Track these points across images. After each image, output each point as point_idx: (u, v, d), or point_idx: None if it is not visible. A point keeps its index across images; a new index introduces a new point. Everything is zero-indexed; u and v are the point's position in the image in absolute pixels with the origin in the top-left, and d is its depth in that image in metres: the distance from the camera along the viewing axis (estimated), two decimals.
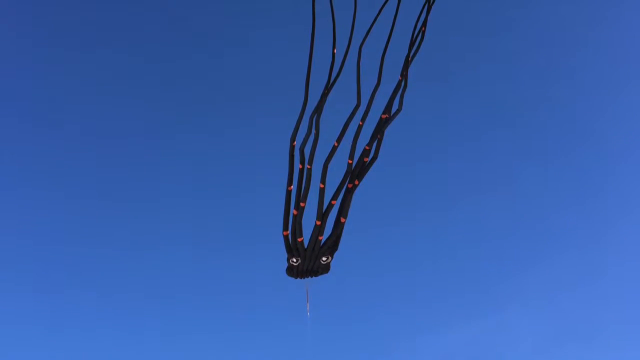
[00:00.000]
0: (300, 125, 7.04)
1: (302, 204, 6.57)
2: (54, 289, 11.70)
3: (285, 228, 6.57)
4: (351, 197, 6.64)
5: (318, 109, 7.15)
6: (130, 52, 13.36)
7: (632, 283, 11.42)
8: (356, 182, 6.70)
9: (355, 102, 7.19)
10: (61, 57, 13.12)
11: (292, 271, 6.58)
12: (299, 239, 6.50)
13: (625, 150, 12.19)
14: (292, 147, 6.87)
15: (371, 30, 7.90)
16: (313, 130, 6.99)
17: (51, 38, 13.18)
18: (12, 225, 11.88)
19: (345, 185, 6.65)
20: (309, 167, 6.71)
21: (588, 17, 13.00)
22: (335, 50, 7.63)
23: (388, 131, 7.06)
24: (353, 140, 6.86)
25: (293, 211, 6.58)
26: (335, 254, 6.60)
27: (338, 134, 6.92)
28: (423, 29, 7.93)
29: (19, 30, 13.12)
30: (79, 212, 12.16)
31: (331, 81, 7.42)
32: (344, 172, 6.69)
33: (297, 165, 6.76)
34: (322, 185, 6.57)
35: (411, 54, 7.71)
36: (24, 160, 12.21)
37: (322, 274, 6.58)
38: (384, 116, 7.13)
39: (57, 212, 12.21)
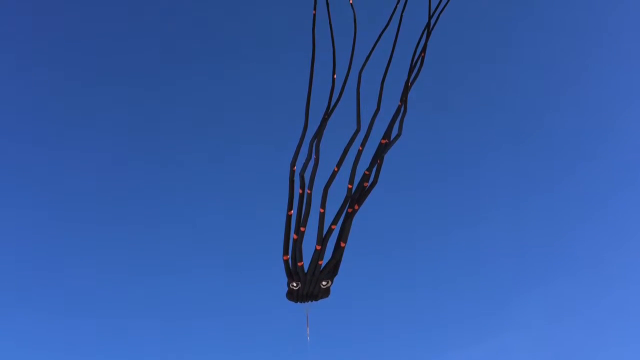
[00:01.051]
0: (301, 151, 7.08)
1: (302, 229, 6.59)
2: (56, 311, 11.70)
3: (286, 252, 6.59)
4: (351, 221, 6.67)
5: (318, 134, 7.18)
6: (130, 76, 13.42)
7: (631, 309, 11.42)
8: (356, 207, 6.72)
9: (355, 127, 7.22)
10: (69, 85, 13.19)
11: (292, 295, 6.60)
12: (299, 264, 6.52)
13: (626, 175, 12.23)
14: (292, 172, 6.89)
15: (371, 56, 7.94)
16: (313, 155, 7.02)
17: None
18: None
19: (345, 210, 6.67)
20: (309, 192, 6.74)
21: (588, 47, 13.09)
22: (335, 76, 7.66)
23: (388, 156, 7.09)
24: (353, 165, 6.89)
25: (293, 236, 6.60)
26: (335, 279, 6.62)
27: (338, 159, 6.95)
28: (423, 54, 7.94)
29: None
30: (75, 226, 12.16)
31: (331, 106, 7.45)
32: (344, 196, 6.72)
33: (297, 190, 6.79)
34: (322, 210, 6.59)
35: (411, 80, 7.73)
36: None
37: (322, 298, 6.60)
38: (383, 141, 7.16)
39: (59, 237, 12.21)
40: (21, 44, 13.28)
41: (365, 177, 6.85)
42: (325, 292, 6.59)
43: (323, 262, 6.54)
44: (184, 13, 13.66)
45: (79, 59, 13.37)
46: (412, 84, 7.71)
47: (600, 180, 12.35)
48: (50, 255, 12.35)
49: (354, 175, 6.84)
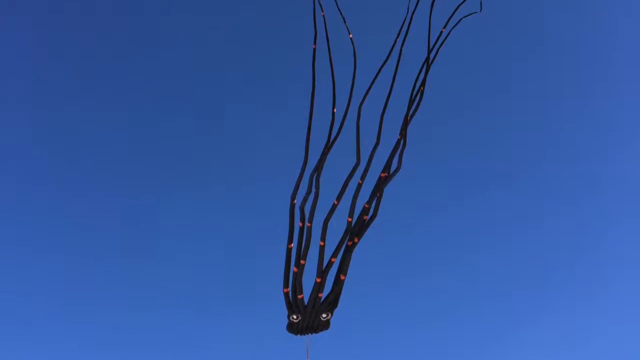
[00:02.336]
0: (301, 184, 7.13)
1: (302, 262, 6.63)
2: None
3: (286, 285, 6.62)
4: (351, 254, 6.70)
5: (318, 168, 7.23)
6: (130, 108, 13.49)
7: (632, 342, 11.40)
8: (356, 240, 6.76)
9: (354, 161, 7.28)
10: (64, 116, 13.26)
11: (292, 328, 6.61)
12: (300, 296, 6.55)
13: (625, 208, 12.26)
14: (292, 206, 6.94)
15: (371, 90, 8.01)
16: (313, 189, 7.07)
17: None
18: None
19: (345, 243, 6.71)
20: (309, 225, 6.78)
21: (591, 84, 13.18)
22: (335, 110, 7.73)
23: (387, 189, 7.14)
24: (353, 198, 6.94)
25: (293, 268, 6.64)
26: (335, 311, 6.64)
27: (338, 192, 7.00)
28: (422, 88, 8.01)
29: None
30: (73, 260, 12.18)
31: (331, 140, 7.52)
32: (344, 230, 6.76)
33: (298, 223, 6.83)
34: (322, 243, 6.63)
35: (410, 113, 7.79)
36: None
37: (322, 330, 6.60)
38: (383, 175, 7.21)
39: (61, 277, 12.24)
40: None
41: (364, 210, 6.89)
42: (325, 325, 6.60)
43: (323, 295, 6.56)
44: (178, 47, 13.77)
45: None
46: (411, 117, 7.77)
47: (603, 211, 12.38)
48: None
49: (354, 208, 6.89)
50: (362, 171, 7.17)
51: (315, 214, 6.86)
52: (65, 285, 11.83)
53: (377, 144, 7.48)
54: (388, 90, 7.98)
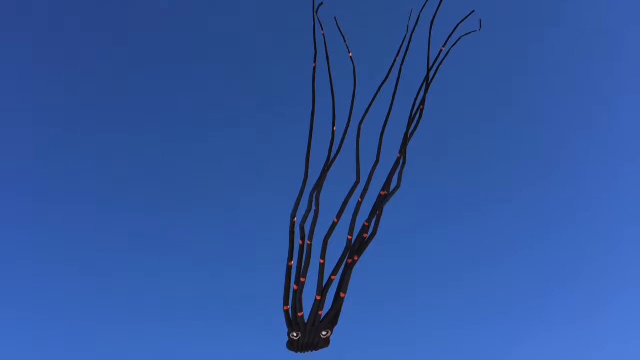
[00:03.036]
0: (301, 202, 7.17)
1: (302, 279, 6.66)
2: None
3: (286, 303, 6.65)
4: (351, 272, 6.73)
5: (318, 186, 7.27)
6: (130, 134, 13.53)
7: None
8: (356, 258, 6.79)
9: (354, 179, 7.32)
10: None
11: (292, 345, 6.63)
12: (300, 314, 6.57)
13: (624, 228, 12.29)
14: (292, 224, 6.98)
15: (370, 108, 8.04)
16: (313, 207, 7.11)
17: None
18: None
19: (345, 261, 6.75)
20: (309, 243, 6.82)
21: (587, 104, 13.24)
22: (335, 128, 7.76)
23: (387, 207, 7.18)
24: (352, 216, 6.98)
25: (294, 286, 6.67)
26: (335, 328, 6.66)
27: (338, 210, 7.04)
28: (422, 106, 8.04)
29: None
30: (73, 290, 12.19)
31: (331, 158, 7.55)
32: (344, 247, 6.80)
33: (298, 241, 6.87)
34: (322, 261, 6.67)
35: (410, 132, 7.83)
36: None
37: (322, 348, 6.62)
38: (383, 193, 7.25)
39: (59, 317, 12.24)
40: None
41: (364, 228, 6.93)
42: (325, 342, 6.62)
43: (323, 313, 6.60)
44: (177, 62, 13.83)
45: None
46: (411, 136, 7.80)
47: (603, 230, 12.41)
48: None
49: (354, 226, 6.93)
50: (362, 189, 7.22)
51: (315, 231, 6.90)
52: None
53: (376, 162, 7.52)
54: (388, 108, 8.02)
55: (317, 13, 8.33)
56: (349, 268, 6.73)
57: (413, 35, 8.54)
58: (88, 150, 13.03)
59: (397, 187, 7.31)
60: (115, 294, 12.26)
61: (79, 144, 13.13)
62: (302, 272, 6.70)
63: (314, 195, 7.21)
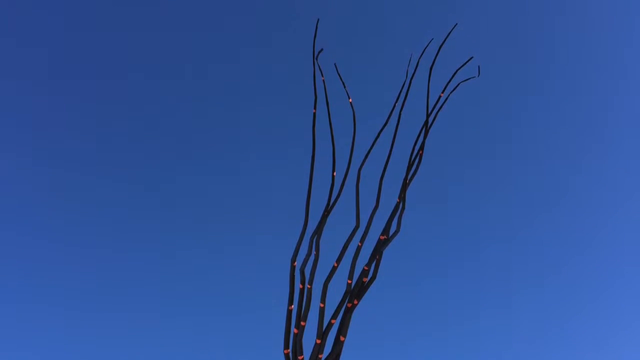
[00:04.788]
0: (301, 246, 7.24)
1: (302, 323, 6.70)
2: None
3: (286, 346, 6.68)
4: (350, 316, 6.78)
5: (318, 231, 7.34)
6: (129, 173, 13.65)
7: None
8: (355, 302, 6.84)
9: (354, 224, 7.40)
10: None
11: None
12: (300, 357, 6.60)
13: (622, 262, 12.35)
14: (292, 268, 7.04)
15: (370, 153, 8.15)
16: (313, 251, 7.18)
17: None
18: None
19: (345, 305, 6.80)
20: (309, 287, 6.88)
21: (587, 140, 13.37)
22: (334, 173, 7.84)
23: (386, 252, 7.25)
24: (352, 260, 7.04)
25: (294, 330, 6.71)
26: None
27: (338, 254, 7.11)
28: (420, 152, 8.14)
29: None
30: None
31: (331, 203, 7.64)
32: (344, 291, 6.86)
33: (298, 285, 6.93)
34: (322, 305, 6.72)
35: (409, 177, 7.92)
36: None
37: None
38: (382, 237, 7.31)
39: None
40: None
41: (364, 273, 6.98)
42: None
43: (323, 356, 6.62)
44: (182, 108, 14.00)
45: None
46: (410, 181, 7.88)
47: (600, 266, 12.47)
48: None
49: (354, 270, 6.99)
50: (361, 234, 7.29)
51: (315, 275, 6.96)
52: None
53: (376, 207, 7.59)
54: (387, 154, 8.10)
55: (317, 59, 8.46)
56: (348, 312, 6.78)
57: (412, 80, 8.64)
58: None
59: (397, 231, 7.37)
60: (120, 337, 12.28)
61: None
62: (302, 315, 6.75)
63: (314, 240, 7.28)
